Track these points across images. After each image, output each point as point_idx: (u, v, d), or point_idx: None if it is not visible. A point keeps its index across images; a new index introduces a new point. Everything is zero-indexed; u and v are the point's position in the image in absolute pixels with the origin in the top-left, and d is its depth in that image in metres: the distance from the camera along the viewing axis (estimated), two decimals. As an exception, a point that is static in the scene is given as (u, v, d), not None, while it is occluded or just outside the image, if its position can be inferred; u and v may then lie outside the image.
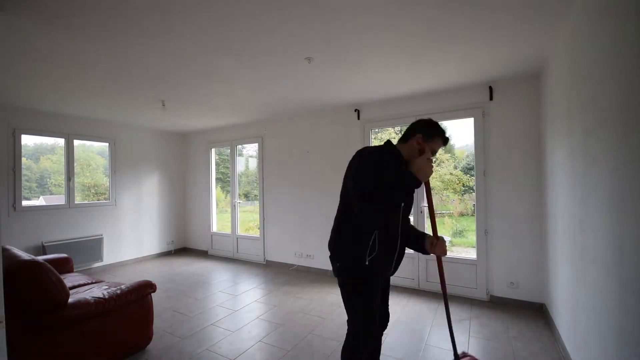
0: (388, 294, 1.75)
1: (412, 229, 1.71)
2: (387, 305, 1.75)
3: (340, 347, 1.62)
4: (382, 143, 1.65)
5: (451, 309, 3.19)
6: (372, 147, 1.53)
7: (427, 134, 1.50)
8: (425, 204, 3.37)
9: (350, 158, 1.52)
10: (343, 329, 2.76)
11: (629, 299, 1.27)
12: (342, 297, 1.58)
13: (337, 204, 1.63)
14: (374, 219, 1.41)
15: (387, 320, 1.75)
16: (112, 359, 2.25)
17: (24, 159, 4.20)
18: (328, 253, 1.64)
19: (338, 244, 1.55)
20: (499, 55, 2.61)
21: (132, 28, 2.08)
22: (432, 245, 1.60)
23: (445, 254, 1.61)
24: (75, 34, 2.14)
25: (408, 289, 3.79)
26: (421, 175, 1.40)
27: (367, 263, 1.46)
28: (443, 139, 1.54)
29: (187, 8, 1.85)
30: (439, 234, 1.65)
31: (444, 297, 1.76)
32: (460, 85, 3.40)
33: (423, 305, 3.27)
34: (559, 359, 2.28)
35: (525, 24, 2.09)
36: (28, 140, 4.38)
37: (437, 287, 3.57)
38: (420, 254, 3.19)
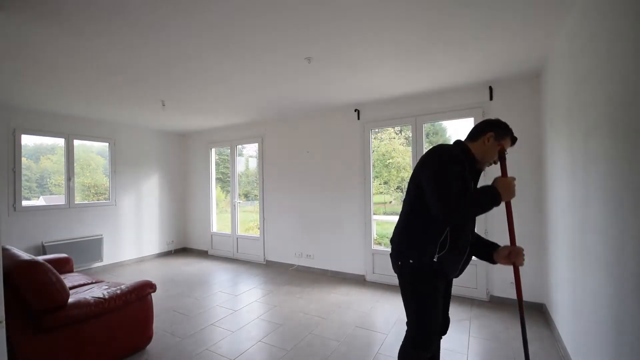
0: (450, 298, 1.66)
1: (478, 236, 1.65)
2: (448, 309, 1.66)
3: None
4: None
5: (451, 309, 3.19)
6: (450, 150, 1.45)
7: (498, 133, 1.49)
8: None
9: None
10: (343, 329, 2.77)
11: (628, 299, 1.27)
12: (403, 298, 1.54)
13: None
14: (455, 224, 1.42)
15: (447, 326, 1.67)
16: (112, 359, 2.25)
17: (24, 159, 4.20)
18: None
19: (404, 239, 1.51)
20: (499, 55, 2.61)
21: (132, 28, 2.08)
22: (509, 254, 1.50)
23: (523, 264, 1.52)
24: (76, 34, 2.14)
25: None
26: (507, 196, 1.38)
27: (435, 260, 1.41)
28: (512, 139, 1.52)
29: (187, 8, 1.85)
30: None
31: (520, 309, 1.58)
32: (461, 86, 3.40)
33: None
34: (558, 359, 2.28)
35: (525, 24, 2.09)
36: (28, 140, 4.38)
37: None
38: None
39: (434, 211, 1.35)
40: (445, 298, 1.61)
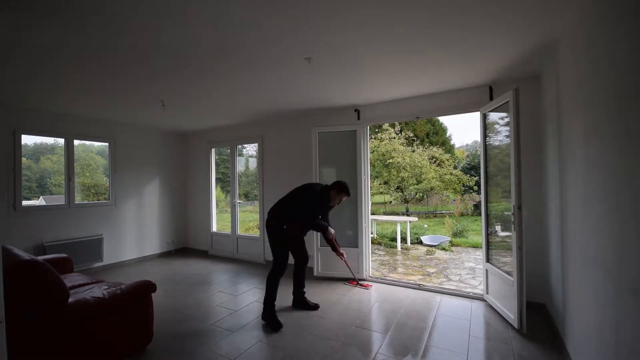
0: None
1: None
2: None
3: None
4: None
5: (451, 308, 3.21)
6: (317, 190, 3.11)
7: (339, 190, 3.09)
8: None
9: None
10: (343, 329, 2.77)
11: (628, 299, 1.27)
12: (274, 245, 3.05)
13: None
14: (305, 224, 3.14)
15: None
16: (112, 359, 2.25)
17: (24, 159, 4.20)
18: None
19: (281, 218, 3.04)
20: (500, 56, 2.60)
21: (132, 29, 2.07)
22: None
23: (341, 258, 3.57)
24: (76, 35, 2.14)
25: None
26: (329, 237, 3.32)
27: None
28: (347, 194, 3.12)
29: (187, 9, 1.85)
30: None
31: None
32: (461, 86, 3.40)
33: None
34: (558, 359, 2.28)
35: (526, 25, 2.09)
36: (28, 140, 4.39)
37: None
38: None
39: (297, 215, 3.05)
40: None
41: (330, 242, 3.35)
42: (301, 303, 3.28)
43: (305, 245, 3.32)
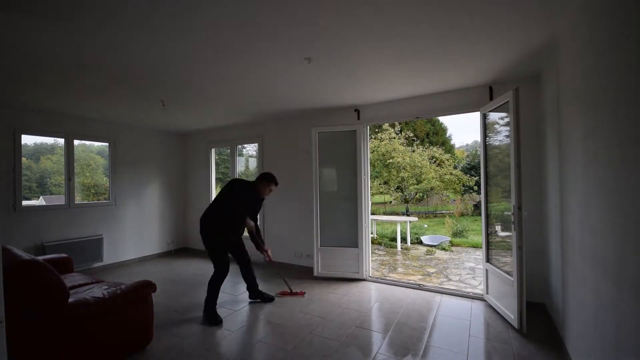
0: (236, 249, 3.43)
1: (258, 230, 3.46)
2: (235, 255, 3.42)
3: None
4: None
5: (451, 308, 3.20)
6: (246, 185, 3.20)
7: (267, 181, 3.27)
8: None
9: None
10: (343, 329, 2.77)
11: (628, 299, 1.27)
12: (211, 251, 3.16)
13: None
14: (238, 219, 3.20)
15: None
16: (112, 359, 2.25)
17: (24, 159, 4.20)
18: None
19: (214, 223, 3.11)
20: (500, 56, 2.60)
21: (132, 29, 2.08)
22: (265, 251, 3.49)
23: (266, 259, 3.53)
24: (76, 35, 2.14)
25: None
26: (247, 225, 3.32)
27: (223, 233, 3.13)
28: (275, 183, 3.33)
29: (187, 9, 1.85)
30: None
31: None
32: (461, 86, 3.40)
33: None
34: (558, 359, 2.28)
35: (526, 24, 2.09)
36: (28, 140, 4.39)
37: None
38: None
39: (229, 212, 3.11)
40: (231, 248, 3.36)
41: (252, 235, 3.37)
42: (256, 294, 3.45)
43: (244, 247, 3.42)
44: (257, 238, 3.38)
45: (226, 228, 3.11)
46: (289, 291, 3.67)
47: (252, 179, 3.52)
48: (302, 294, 3.65)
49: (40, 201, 4.70)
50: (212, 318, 2.95)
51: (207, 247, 3.14)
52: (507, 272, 2.91)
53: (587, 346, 1.82)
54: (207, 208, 3.17)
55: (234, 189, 3.11)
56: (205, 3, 1.80)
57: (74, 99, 3.69)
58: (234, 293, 3.79)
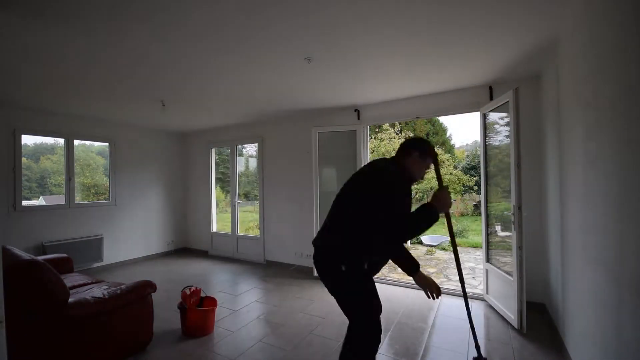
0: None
1: (405, 248, 1.82)
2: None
3: (341, 347, 1.64)
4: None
5: (451, 308, 3.20)
6: (393, 174, 1.56)
7: (422, 152, 1.66)
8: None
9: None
10: (343, 329, 2.76)
11: (628, 299, 1.27)
12: (342, 300, 1.59)
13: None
14: (392, 242, 1.62)
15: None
16: (112, 359, 2.24)
17: (24, 159, 4.20)
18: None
19: (346, 245, 1.53)
20: (500, 56, 2.60)
21: (132, 29, 2.08)
22: (430, 286, 1.74)
23: (434, 299, 1.77)
24: (76, 35, 2.14)
25: (408, 289, 3.77)
26: (444, 209, 1.58)
27: (365, 267, 1.53)
28: (434, 154, 1.70)
29: (188, 9, 1.85)
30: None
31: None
32: (461, 86, 3.40)
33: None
34: (558, 359, 2.28)
35: (526, 24, 2.09)
36: (28, 140, 4.39)
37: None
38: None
39: (379, 229, 1.45)
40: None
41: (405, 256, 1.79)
42: None
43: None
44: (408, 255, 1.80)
45: (373, 256, 1.59)
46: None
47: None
48: None
49: (40, 201, 4.70)
50: None
51: (336, 291, 1.61)
52: (507, 272, 2.91)
53: (587, 346, 1.82)
54: (331, 216, 1.66)
55: (386, 184, 1.51)
56: (206, 3, 1.80)
57: (74, 99, 3.69)
58: (234, 293, 3.79)
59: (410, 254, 1.79)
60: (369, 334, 1.57)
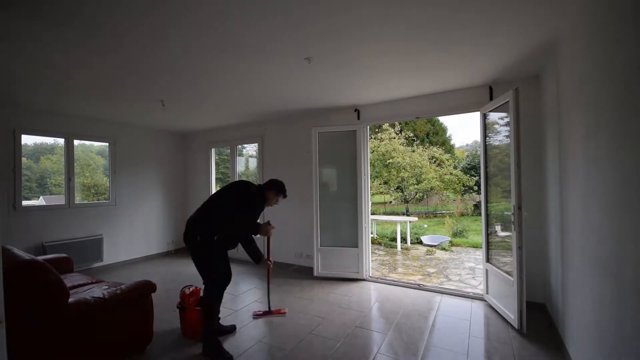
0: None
1: (252, 240, 2.72)
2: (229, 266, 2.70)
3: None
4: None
5: (451, 308, 3.20)
6: (253, 194, 2.58)
7: (278, 191, 2.74)
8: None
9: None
10: (343, 329, 2.77)
11: (628, 299, 1.27)
12: (199, 262, 2.47)
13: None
14: (236, 231, 2.58)
15: (230, 277, 2.66)
16: (112, 359, 2.25)
17: (24, 159, 4.20)
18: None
19: (203, 228, 2.44)
20: (500, 56, 2.60)
21: (132, 29, 2.08)
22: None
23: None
24: (76, 35, 2.14)
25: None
26: (263, 233, 2.75)
27: (215, 239, 2.45)
28: (284, 195, 2.78)
29: (188, 9, 1.85)
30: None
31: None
32: (461, 86, 3.40)
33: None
34: (558, 359, 2.28)
35: (526, 24, 2.09)
36: (28, 140, 4.39)
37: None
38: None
39: (231, 221, 2.47)
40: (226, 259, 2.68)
41: (256, 249, 2.70)
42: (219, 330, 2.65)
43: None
44: (254, 249, 2.69)
45: (223, 244, 2.52)
46: (266, 310, 3.15)
47: (252, 179, 3.47)
48: (283, 313, 3.12)
49: (40, 201, 4.70)
50: (217, 354, 2.33)
51: (195, 257, 2.46)
52: (507, 272, 2.91)
53: (587, 346, 1.82)
54: (201, 209, 2.54)
55: (242, 197, 2.51)
56: (206, 3, 1.80)
57: (74, 99, 3.69)
58: (234, 293, 3.79)
59: (257, 248, 2.69)
60: (214, 283, 2.48)
